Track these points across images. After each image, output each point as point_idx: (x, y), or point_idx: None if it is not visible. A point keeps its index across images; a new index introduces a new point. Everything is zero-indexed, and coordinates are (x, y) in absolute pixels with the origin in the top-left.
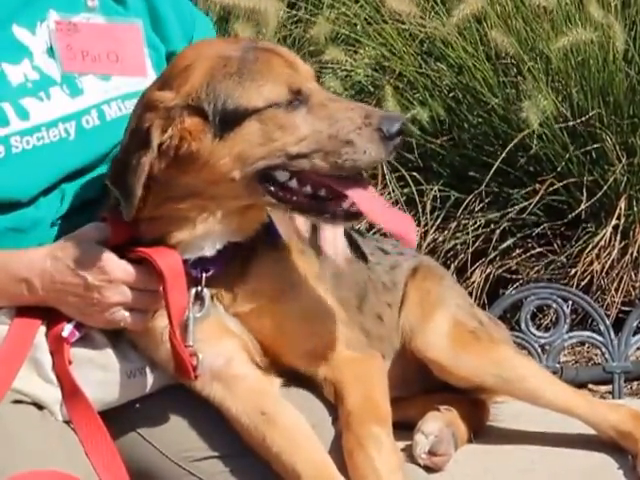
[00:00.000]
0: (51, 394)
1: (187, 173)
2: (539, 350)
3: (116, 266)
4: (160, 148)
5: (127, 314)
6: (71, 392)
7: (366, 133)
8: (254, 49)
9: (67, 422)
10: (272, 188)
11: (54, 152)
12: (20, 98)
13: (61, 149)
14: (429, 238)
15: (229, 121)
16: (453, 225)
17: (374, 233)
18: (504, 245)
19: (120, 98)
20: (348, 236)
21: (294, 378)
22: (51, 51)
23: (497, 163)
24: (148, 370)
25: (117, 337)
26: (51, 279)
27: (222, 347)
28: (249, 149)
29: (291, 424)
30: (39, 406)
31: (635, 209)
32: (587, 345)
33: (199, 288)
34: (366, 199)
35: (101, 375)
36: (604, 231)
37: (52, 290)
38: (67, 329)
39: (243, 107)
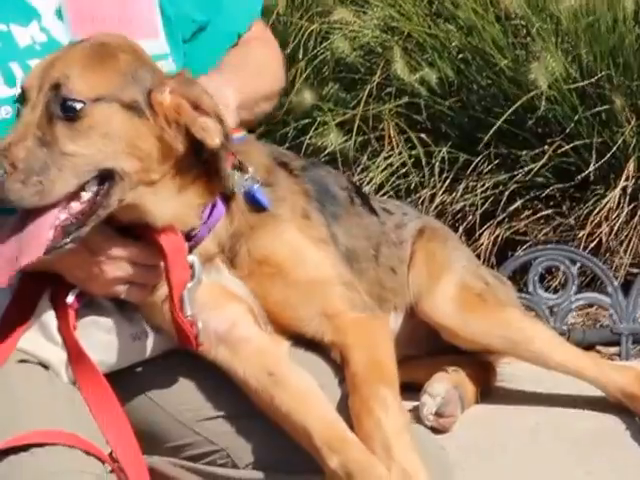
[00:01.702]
0: (56, 355)
1: None
2: (547, 312)
3: (116, 243)
4: None
5: (126, 287)
6: (76, 355)
7: None
8: None
9: (73, 383)
10: None
11: None
12: (28, 59)
13: None
14: (437, 200)
15: None
16: (461, 187)
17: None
18: (512, 207)
19: None
20: (363, 195)
21: (300, 342)
22: (59, 13)
23: (500, 123)
24: (153, 333)
25: (122, 300)
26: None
27: (227, 310)
28: None
29: (299, 384)
30: (45, 366)
31: None
32: (595, 307)
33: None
34: None
35: (106, 338)
36: (613, 193)
37: (53, 262)
38: (71, 295)
39: None
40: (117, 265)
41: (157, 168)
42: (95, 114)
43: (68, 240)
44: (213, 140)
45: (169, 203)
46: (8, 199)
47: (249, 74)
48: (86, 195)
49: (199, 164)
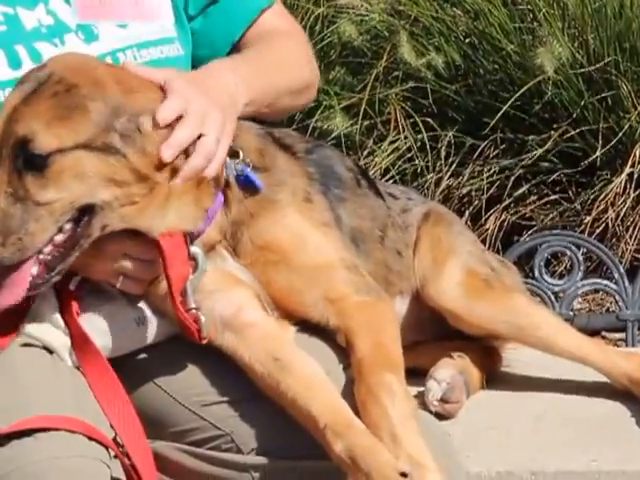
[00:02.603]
0: (60, 339)
1: None
2: (553, 297)
3: (112, 238)
4: None
5: (121, 279)
6: (80, 340)
7: None
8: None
9: (77, 368)
10: None
11: None
12: (34, 42)
13: None
14: (443, 184)
15: None
16: (467, 171)
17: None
18: (519, 192)
19: (136, 46)
20: (368, 177)
21: (306, 327)
22: None
23: (506, 108)
24: (157, 318)
25: None
26: None
27: (232, 296)
28: None
29: (305, 369)
30: (49, 350)
31: None
32: (601, 293)
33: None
34: None
35: (109, 323)
36: (619, 179)
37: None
38: (73, 283)
39: None
40: (112, 258)
41: (139, 189)
42: (63, 161)
43: (53, 274)
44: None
45: (163, 213)
46: None
47: (267, 69)
48: (67, 226)
49: None
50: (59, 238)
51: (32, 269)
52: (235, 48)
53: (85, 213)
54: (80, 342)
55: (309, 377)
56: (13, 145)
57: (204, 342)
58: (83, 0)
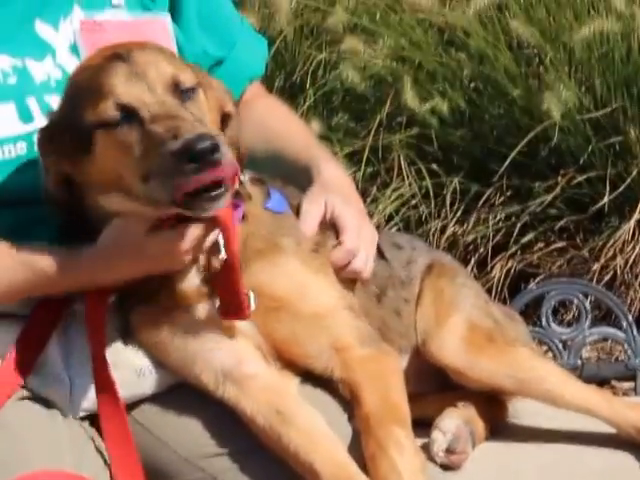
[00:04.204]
0: (59, 391)
1: None
2: (560, 346)
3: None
4: None
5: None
6: (102, 382)
7: (164, 158)
8: (112, 56)
9: (78, 417)
10: None
11: None
12: (44, 95)
13: None
14: (448, 232)
15: (81, 139)
16: (473, 218)
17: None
18: (525, 239)
19: None
20: None
21: (308, 378)
22: (74, 48)
23: (514, 154)
24: (157, 369)
25: (128, 335)
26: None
27: (234, 347)
28: (102, 172)
29: (308, 422)
30: (46, 402)
31: None
32: (609, 341)
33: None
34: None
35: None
36: (627, 225)
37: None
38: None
39: (86, 125)
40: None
41: None
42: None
43: None
44: None
45: None
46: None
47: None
48: None
49: None
50: None
51: None
52: None
53: None
54: (102, 384)
55: (312, 430)
56: (165, 86)
57: (247, 318)
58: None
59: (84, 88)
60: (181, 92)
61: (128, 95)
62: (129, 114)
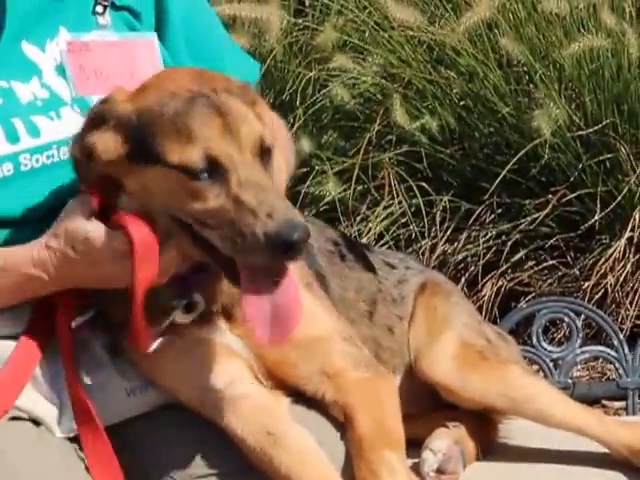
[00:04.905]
0: (49, 410)
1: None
2: (551, 365)
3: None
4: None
5: None
6: (80, 409)
7: (254, 236)
8: (204, 99)
9: (68, 438)
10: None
11: (64, 170)
12: (30, 115)
13: (71, 168)
14: (439, 250)
15: (145, 154)
16: (463, 237)
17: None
18: (516, 257)
19: None
20: (357, 250)
21: (301, 397)
22: (61, 69)
23: (505, 172)
24: (148, 388)
25: (117, 354)
26: (55, 270)
27: (225, 366)
28: (151, 190)
29: (299, 444)
30: (36, 422)
31: None
32: (601, 360)
33: (194, 296)
34: (254, 298)
35: (100, 392)
36: (618, 243)
37: (62, 277)
38: (76, 322)
39: (157, 154)
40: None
41: None
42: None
43: None
44: None
45: None
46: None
47: None
48: None
49: None
50: None
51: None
52: None
53: None
54: (81, 411)
55: (303, 452)
56: (254, 146)
57: (146, 351)
58: (80, 75)
59: (167, 121)
60: (263, 152)
61: (219, 151)
62: (214, 168)
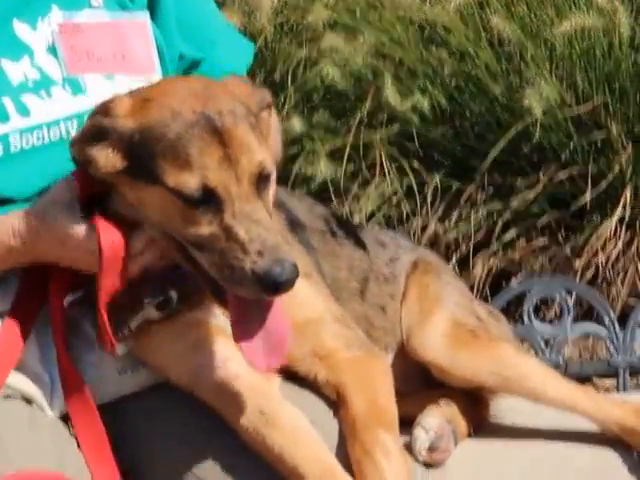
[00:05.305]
0: (40, 390)
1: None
2: (542, 344)
3: (76, 234)
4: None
5: None
6: (72, 386)
7: (242, 271)
8: (207, 123)
9: (59, 416)
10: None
11: (54, 152)
12: (21, 95)
13: (61, 149)
14: (430, 229)
15: (143, 171)
16: (454, 216)
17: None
18: (507, 236)
19: None
20: (347, 227)
21: (291, 378)
22: (53, 49)
23: (497, 151)
24: (139, 367)
25: None
26: (31, 245)
27: (217, 347)
28: (147, 206)
29: (292, 423)
30: (28, 401)
31: None
32: (592, 338)
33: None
34: (242, 323)
35: (92, 371)
36: (609, 222)
37: (36, 253)
38: (67, 300)
39: (157, 175)
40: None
41: None
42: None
43: None
44: None
45: None
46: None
47: None
48: None
49: None
50: None
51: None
52: None
53: None
54: (72, 389)
55: (296, 431)
56: (254, 175)
57: (110, 351)
58: (71, 55)
59: (168, 143)
60: (261, 179)
61: (216, 181)
62: (210, 197)
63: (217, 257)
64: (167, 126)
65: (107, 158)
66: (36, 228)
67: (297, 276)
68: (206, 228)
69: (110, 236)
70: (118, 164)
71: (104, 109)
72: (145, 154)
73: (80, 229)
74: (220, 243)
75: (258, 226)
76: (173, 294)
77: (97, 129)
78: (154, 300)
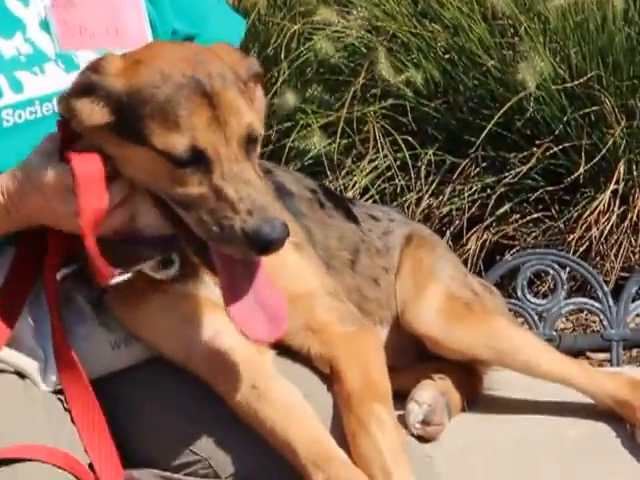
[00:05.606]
0: (34, 364)
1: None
2: (536, 317)
3: (50, 175)
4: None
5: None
6: (65, 361)
7: (232, 229)
8: (196, 86)
9: (52, 391)
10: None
11: (47, 126)
12: (14, 70)
13: (54, 123)
14: (424, 204)
15: (130, 131)
16: (448, 190)
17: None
18: (501, 211)
19: None
20: (337, 199)
21: (285, 351)
22: (45, 24)
23: (490, 125)
24: (132, 341)
25: (101, 308)
26: (17, 201)
27: (209, 320)
28: (132, 165)
29: (284, 397)
30: (21, 375)
31: (635, 173)
32: (585, 312)
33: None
34: (232, 287)
35: (84, 345)
36: (603, 196)
37: (21, 211)
38: (60, 274)
39: (144, 136)
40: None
41: None
42: None
43: None
44: None
45: None
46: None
47: None
48: None
49: None
50: None
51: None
52: None
53: None
54: (65, 362)
55: (288, 405)
56: (242, 137)
57: (106, 282)
58: (64, 30)
59: (157, 105)
60: (250, 141)
61: (205, 141)
62: (199, 158)
63: (205, 216)
64: (157, 88)
65: (92, 111)
66: (20, 181)
67: (287, 235)
68: (195, 189)
69: (84, 161)
70: (103, 119)
71: (95, 67)
72: (133, 115)
73: (55, 170)
74: (209, 203)
75: (248, 186)
76: (175, 257)
77: (86, 84)
78: (155, 256)
